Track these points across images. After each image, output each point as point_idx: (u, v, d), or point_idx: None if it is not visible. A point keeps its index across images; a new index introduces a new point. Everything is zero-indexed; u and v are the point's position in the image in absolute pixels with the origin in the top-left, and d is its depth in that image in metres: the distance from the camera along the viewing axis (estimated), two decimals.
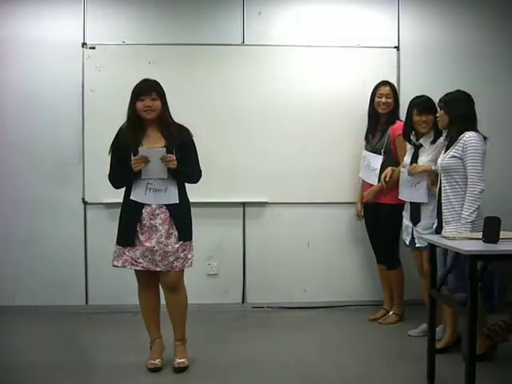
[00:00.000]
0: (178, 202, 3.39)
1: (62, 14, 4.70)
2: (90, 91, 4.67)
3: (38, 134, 4.69)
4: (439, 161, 3.57)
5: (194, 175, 3.48)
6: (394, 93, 4.41)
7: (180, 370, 3.41)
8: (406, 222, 4.06)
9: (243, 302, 4.87)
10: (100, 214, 4.73)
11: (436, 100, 3.72)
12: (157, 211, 3.35)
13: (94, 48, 4.68)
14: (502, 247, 2.79)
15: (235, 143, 4.75)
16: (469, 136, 3.39)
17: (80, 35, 4.69)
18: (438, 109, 3.63)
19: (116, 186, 3.46)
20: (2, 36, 4.67)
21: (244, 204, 4.83)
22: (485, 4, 4.90)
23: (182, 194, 3.45)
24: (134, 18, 4.75)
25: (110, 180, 3.44)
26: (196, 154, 3.48)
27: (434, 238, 3.17)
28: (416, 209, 3.95)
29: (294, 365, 3.53)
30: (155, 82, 3.45)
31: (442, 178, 3.52)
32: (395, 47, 4.85)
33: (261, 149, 4.76)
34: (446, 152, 3.52)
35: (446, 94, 3.56)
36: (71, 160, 4.71)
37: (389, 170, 4.21)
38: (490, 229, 2.85)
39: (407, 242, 4.06)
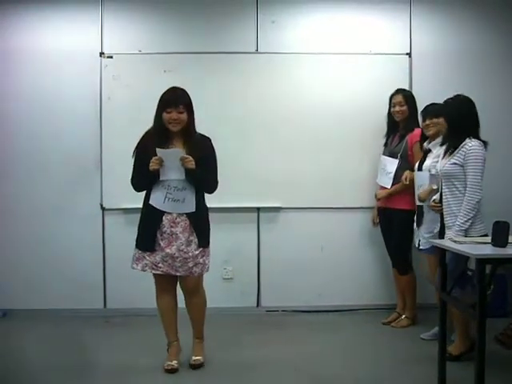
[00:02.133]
0: (194, 210, 3.41)
1: (81, 24, 4.81)
2: (107, 99, 4.76)
3: (56, 141, 4.79)
4: (439, 166, 3.58)
5: (211, 183, 3.50)
6: (407, 100, 4.42)
7: (195, 366, 3.52)
8: (414, 224, 4.11)
9: (258, 305, 4.92)
10: (118, 220, 4.81)
11: None
12: (177, 219, 3.40)
13: (111, 57, 4.78)
14: (510, 251, 2.82)
15: (249, 149, 4.82)
16: (472, 145, 3.38)
17: (98, 45, 4.80)
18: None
19: (137, 188, 3.48)
20: (21, 47, 4.79)
21: (258, 209, 4.89)
22: (496, 10, 4.91)
23: (202, 201, 3.48)
24: (150, 27, 4.85)
25: (131, 182, 3.47)
26: (216, 165, 3.50)
27: (442, 242, 3.21)
28: (420, 212, 3.99)
29: (307, 367, 3.58)
30: (183, 91, 3.42)
31: (443, 184, 3.54)
32: (407, 54, 4.89)
33: (275, 155, 4.82)
34: (444, 157, 3.53)
35: (446, 101, 3.56)
36: (89, 166, 4.79)
37: (407, 172, 4.24)
38: (499, 233, 2.88)
39: (416, 245, 4.11)
